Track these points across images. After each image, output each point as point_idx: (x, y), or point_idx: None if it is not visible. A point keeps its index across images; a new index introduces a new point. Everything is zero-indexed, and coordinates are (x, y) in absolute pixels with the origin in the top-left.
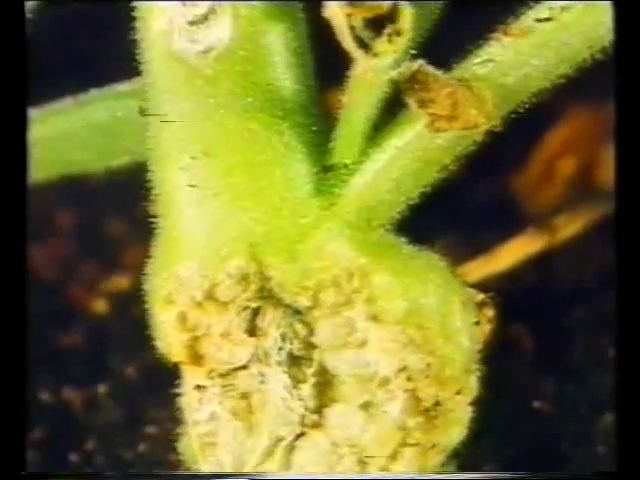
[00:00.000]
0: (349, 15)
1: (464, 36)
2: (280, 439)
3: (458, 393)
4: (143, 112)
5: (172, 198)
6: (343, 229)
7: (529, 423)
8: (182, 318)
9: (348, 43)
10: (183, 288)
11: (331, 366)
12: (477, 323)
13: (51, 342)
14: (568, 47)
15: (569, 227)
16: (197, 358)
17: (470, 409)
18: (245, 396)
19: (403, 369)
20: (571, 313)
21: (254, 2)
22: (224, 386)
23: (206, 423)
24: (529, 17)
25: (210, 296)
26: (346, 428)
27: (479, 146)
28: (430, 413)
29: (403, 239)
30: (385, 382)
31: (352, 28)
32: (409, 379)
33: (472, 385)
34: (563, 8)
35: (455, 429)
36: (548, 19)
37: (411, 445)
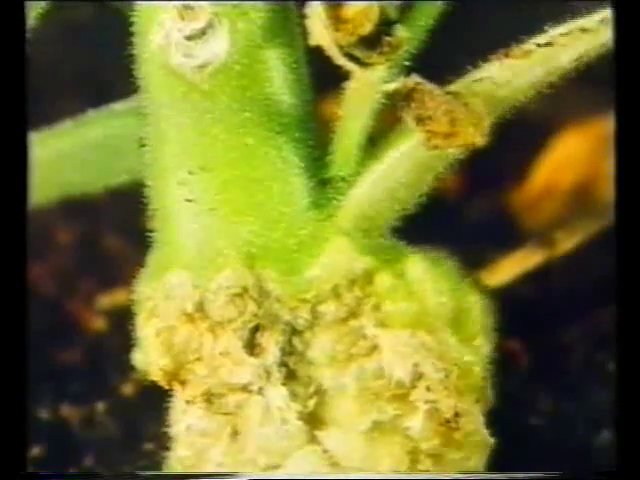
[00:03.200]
0: (334, 40)
1: (461, 51)
2: (274, 462)
3: (477, 401)
4: (143, 145)
5: (170, 213)
6: (342, 239)
7: (526, 439)
8: (167, 338)
9: (340, 60)
10: (172, 300)
11: (333, 384)
12: (495, 330)
13: (50, 359)
14: (563, 66)
15: (567, 242)
16: (179, 382)
17: (491, 440)
18: (237, 412)
19: (420, 377)
20: (569, 328)
21: (251, 16)
22: (211, 405)
23: (190, 439)
24: (530, 41)
25: (202, 312)
26: (348, 453)
27: (478, 160)
28: (451, 425)
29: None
30: (403, 396)
31: (341, 47)
32: (428, 389)
33: (488, 394)
34: (562, 34)
35: (474, 454)
36: (548, 44)
37: (420, 472)
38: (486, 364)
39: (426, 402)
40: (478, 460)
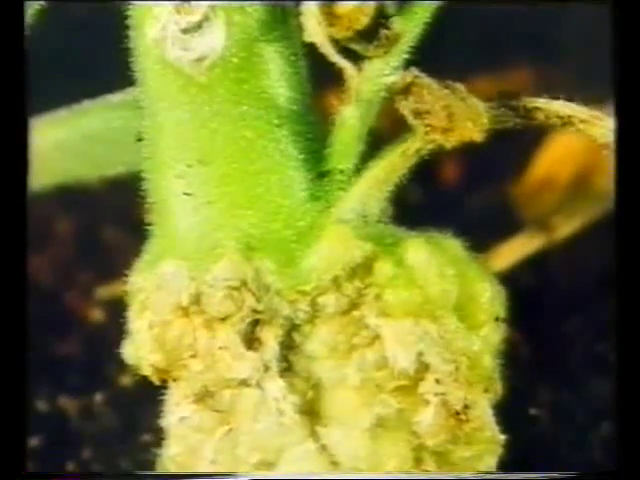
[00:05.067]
0: (330, 35)
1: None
2: (270, 459)
3: (486, 392)
4: (140, 138)
5: (168, 206)
6: (340, 227)
7: (526, 430)
8: (160, 332)
9: (334, 57)
10: (167, 293)
11: (334, 376)
12: (503, 319)
13: (48, 350)
14: None
15: (566, 231)
16: (172, 379)
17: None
18: (232, 408)
19: (428, 369)
20: (569, 319)
21: (248, 9)
22: (205, 402)
23: (183, 432)
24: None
25: (198, 306)
26: (348, 450)
27: (478, 152)
28: (460, 417)
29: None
30: (410, 389)
31: (338, 41)
32: (438, 382)
33: (497, 385)
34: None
35: (483, 451)
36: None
37: (426, 471)
38: (495, 353)
39: (436, 395)
40: (488, 458)
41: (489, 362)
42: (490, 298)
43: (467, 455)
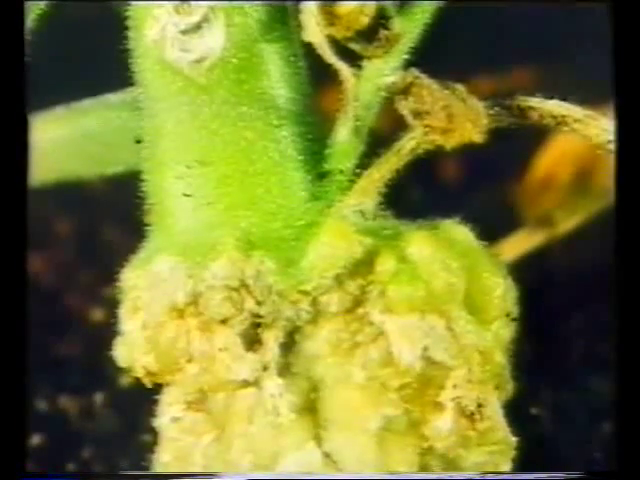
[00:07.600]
0: (329, 35)
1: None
2: (265, 463)
3: (497, 389)
4: (139, 140)
5: (167, 207)
6: (341, 224)
7: (526, 430)
8: (153, 334)
9: (331, 58)
10: (163, 292)
11: (337, 376)
12: (512, 316)
13: (48, 350)
14: None
15: (566, 230)
16: (165, 383)
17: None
18: (227, 410)
19: (438, 369)
20: (569, 318)
21: (247, 10)
22: (200, 406)
23: (175, 434)
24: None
25: (194, 306)
26: (352, 455)
27: (479, 152)
28: (475, 417)
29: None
30: (418, 389)
31: (338, 41)
32: (455, 386)
33: (508, 385)
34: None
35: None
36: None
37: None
38: (505, 350)
39: (452, 400)
40: (502, 463)
41: (500, 358)
42: (502, 293)
43: (480, 460)
